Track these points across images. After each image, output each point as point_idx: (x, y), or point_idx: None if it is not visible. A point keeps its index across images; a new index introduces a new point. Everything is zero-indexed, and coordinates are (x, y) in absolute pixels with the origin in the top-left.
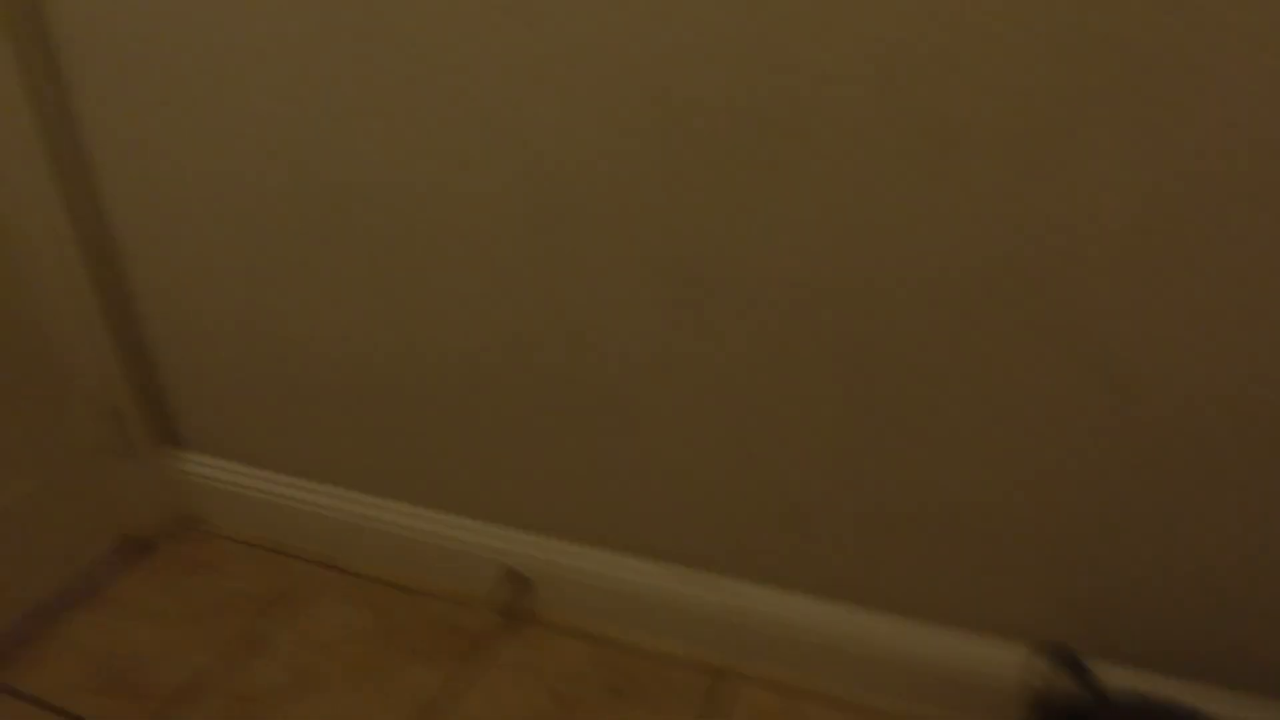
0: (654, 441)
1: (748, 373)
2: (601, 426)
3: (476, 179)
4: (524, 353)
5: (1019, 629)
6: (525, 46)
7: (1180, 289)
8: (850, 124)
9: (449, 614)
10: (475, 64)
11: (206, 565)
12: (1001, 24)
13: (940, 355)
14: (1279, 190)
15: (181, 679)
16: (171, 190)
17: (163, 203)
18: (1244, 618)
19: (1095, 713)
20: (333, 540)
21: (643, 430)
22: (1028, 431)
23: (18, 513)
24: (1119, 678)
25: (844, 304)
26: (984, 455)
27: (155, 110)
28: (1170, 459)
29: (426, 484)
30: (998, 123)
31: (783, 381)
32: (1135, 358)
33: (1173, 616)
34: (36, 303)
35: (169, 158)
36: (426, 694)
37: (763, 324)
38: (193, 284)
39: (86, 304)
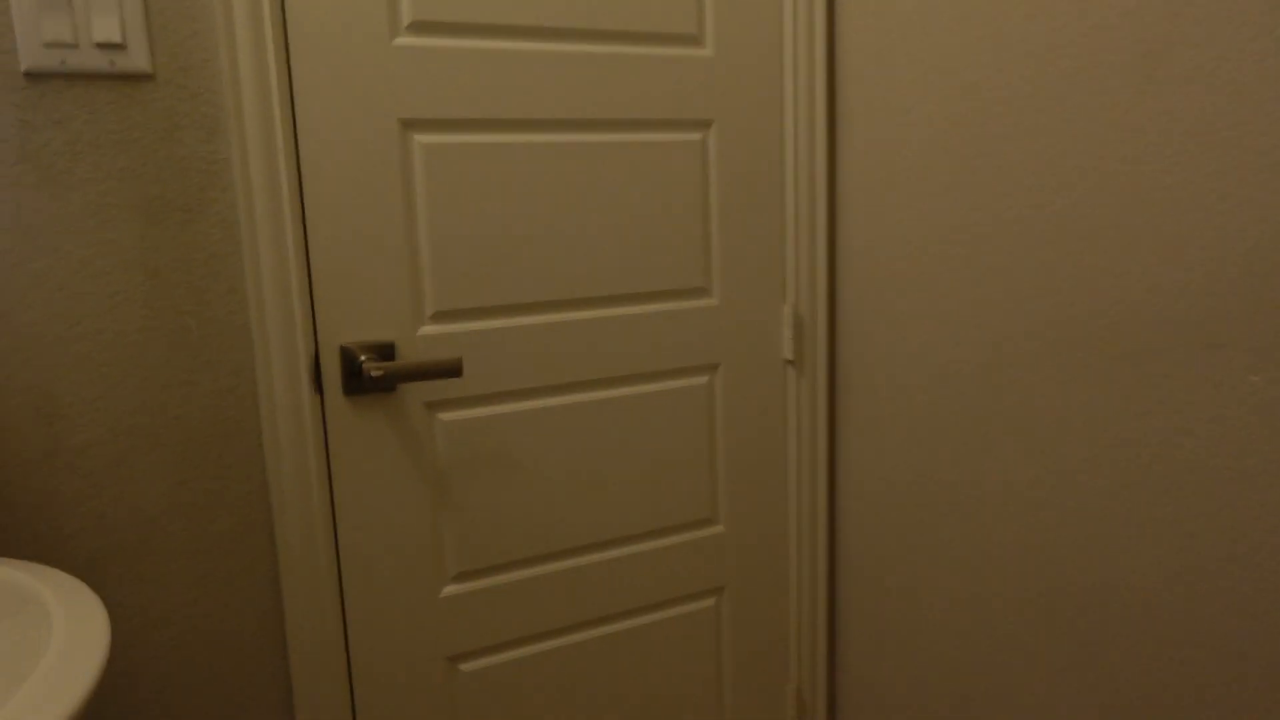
0: None
1: None
2: None
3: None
4: None
5: None
6: None
7: None
8: None
9: None
10: None
11: None
12: None
13: None
14: None
15: None
16: (900, 530)
17: (889, 540)
18: None
19: None
20: None
21: None
22: None
23: None
24: None
25: None
26: None
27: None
28: None
29: None
30: None
31: None
32: None
33: None
34: (786, 599)
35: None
36: None
37: None
38: (893, 619)
39: (819, 607)
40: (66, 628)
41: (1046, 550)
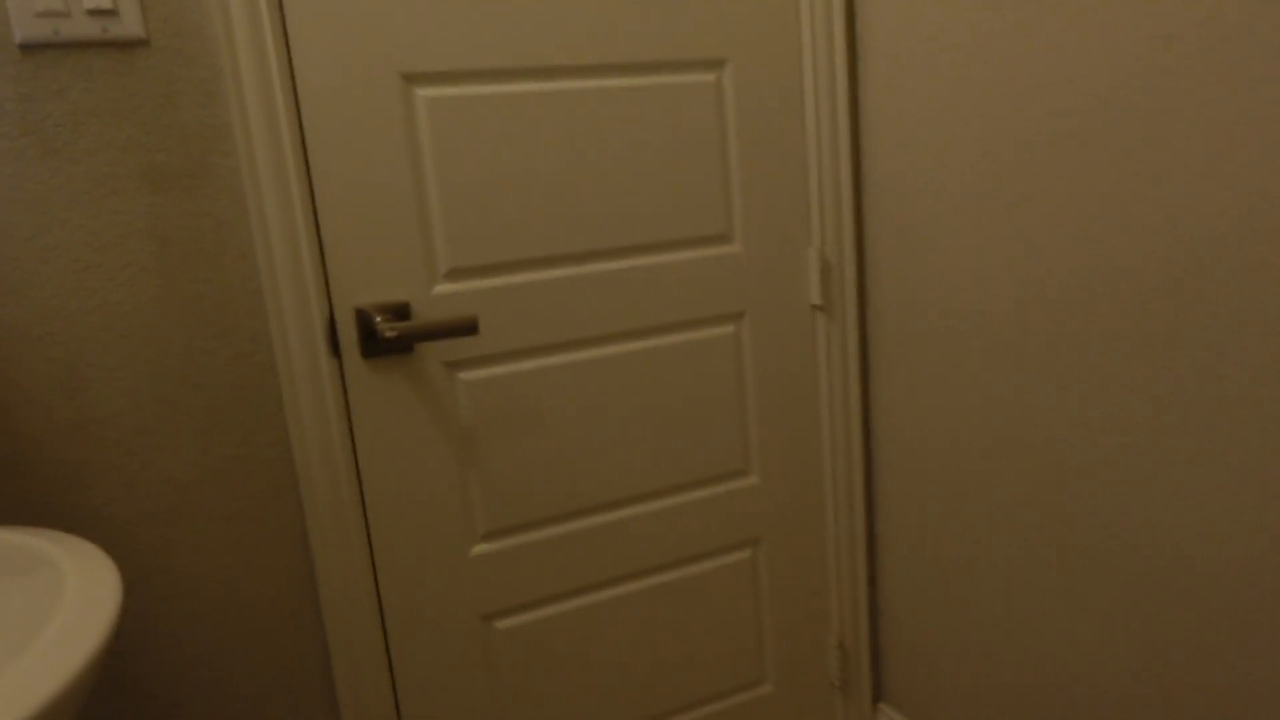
0: None
1: None
2: None
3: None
4: None
5: None
6: None
7: None
8: None
9: None
10: None
11: None
12: None
13: None
14: None
15: None
16: (939, 471)
17: (929, 483)
18: None
19: None
20: None
21: None
22: None
23: (762, 709)
24: None
25: None
26: None
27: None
28: None
29: None
30: None
31: None
32: None
33: None
34: (823, 548)
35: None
36: None
37: None
38: (933, 564)
39: (857, 555)
40: (78, 587)
41: (1090, 495)
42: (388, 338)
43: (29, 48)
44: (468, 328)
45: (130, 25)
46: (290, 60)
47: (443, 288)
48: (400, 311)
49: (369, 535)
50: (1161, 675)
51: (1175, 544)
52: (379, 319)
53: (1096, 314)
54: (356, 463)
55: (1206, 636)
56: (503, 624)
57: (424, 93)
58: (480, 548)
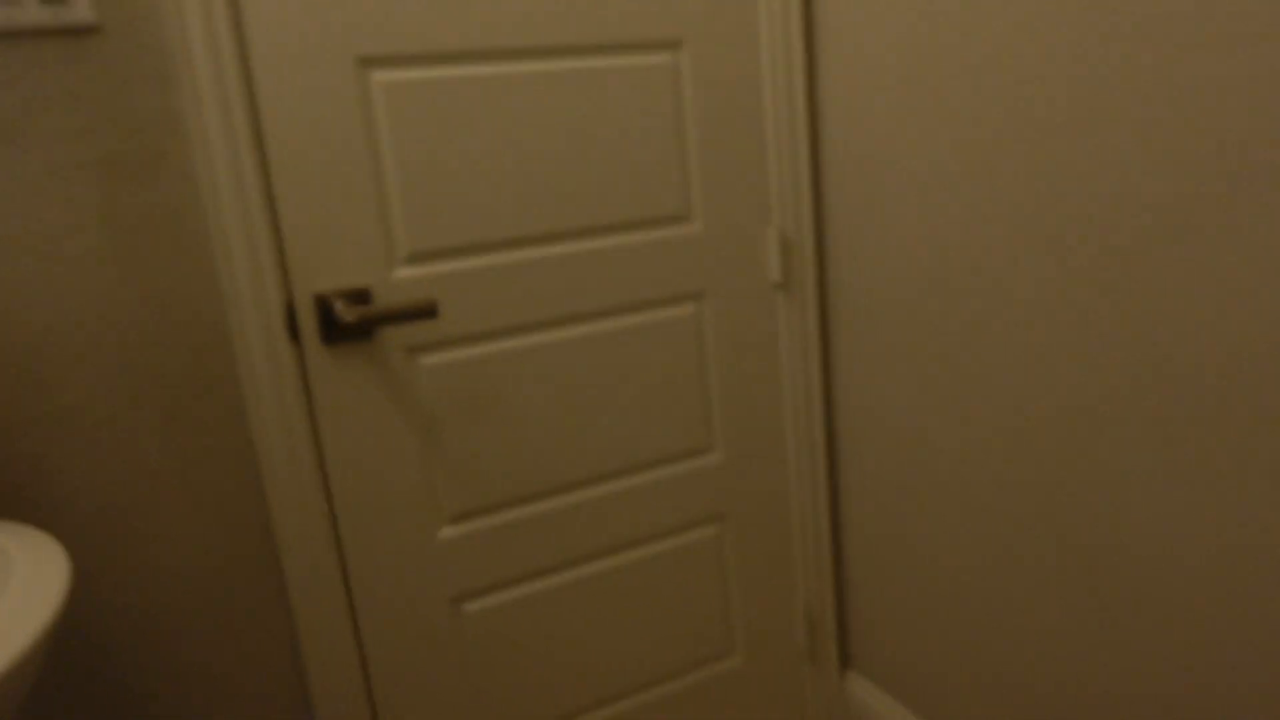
0: None
1: None
2: None
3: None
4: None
5: None
6: None
7: None
8: None
9: None
10: None
11: None
12: None
13: None
14: None
15: None
16: (895, 447)
17: (886, 456)
18: None
19: None
20: None
21: None
22: None
23: (732, 681)
24: None
25: None
26: None
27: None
28: None
29: None
30: None
31: None
32: None
33: None
34: (788, 521)
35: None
36: None
37: None
38: (893, 533)
39: (820, 527)
40: (26, 575)
41: (1049, 467)
42: (347, 322)
43: None
44: (427, 311)
45: (80, 11)
46: (244, 46)
47: (404, 272)
48: (361, 297)
49: (335, 522)
50: (1120, 636)
51: (1125, 504)
52: (338, 304)
53: (1055, 285)
54: (320, 450)
55: (1159, 608)
56: (472, 606)
57: (380, 76)
58: (447, 531)
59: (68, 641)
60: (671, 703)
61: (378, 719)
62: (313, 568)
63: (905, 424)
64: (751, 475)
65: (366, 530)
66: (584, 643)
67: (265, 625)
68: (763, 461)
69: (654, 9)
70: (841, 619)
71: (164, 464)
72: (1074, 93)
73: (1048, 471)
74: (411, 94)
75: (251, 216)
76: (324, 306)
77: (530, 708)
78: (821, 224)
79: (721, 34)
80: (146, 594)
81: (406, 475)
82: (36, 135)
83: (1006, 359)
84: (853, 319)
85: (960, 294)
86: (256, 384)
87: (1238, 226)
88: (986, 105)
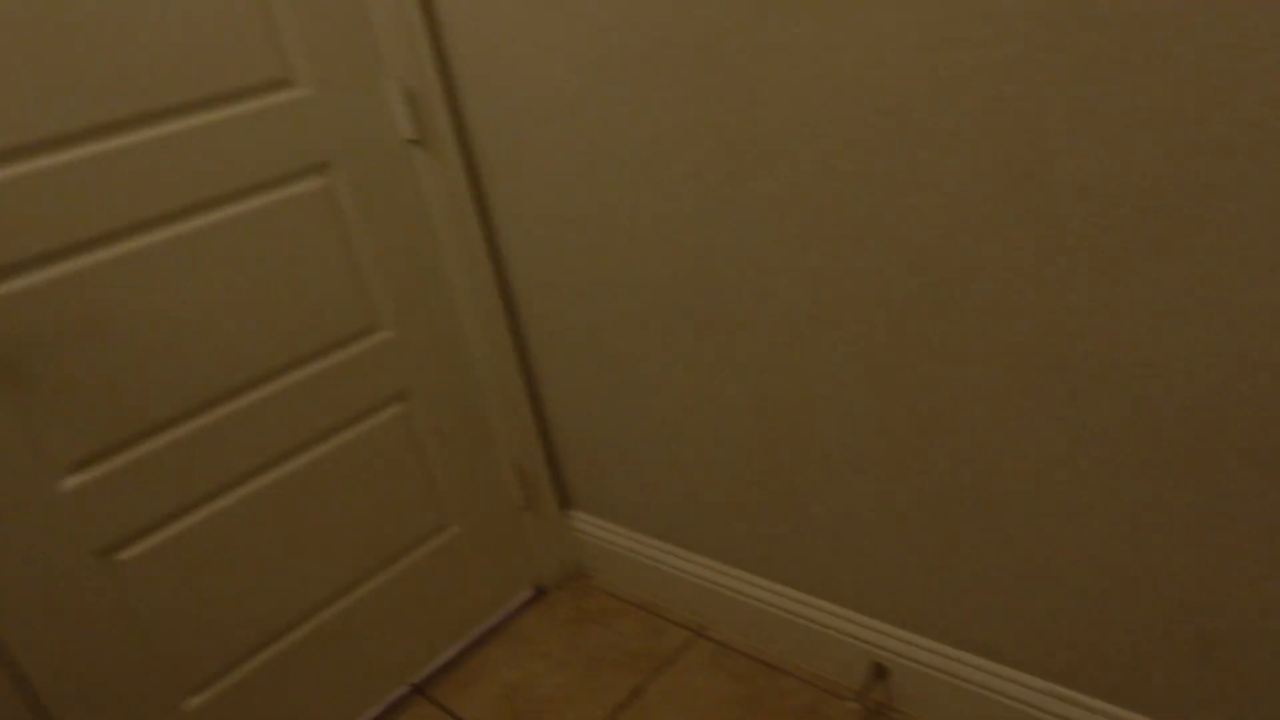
0: (1035, 547)
1: (1142, 470)
2: (979, 528)
3: (849, 270)
4: (904, 448)
5: None
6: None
7: None
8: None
9: (810, 700)
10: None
11: (592, 617)
12: None
13: None
14: None
15: None
16: (570, 281)
17: (563, 294)
18: None
19: None
20: (704, 608)
21: (1020, 534)
22: None
23: (454, 551)
24: None
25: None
26: None
27: (561, 221)
28: None
29: (798, 566)
30: None
31: (1186, 478)
32: None
33: None
34: (477, 385)
35: (569, 256)
36: None
37: (1157, 420)
38: (588, 369)
39: (513, 385)
40: None
41: (691, 253)
42: None
43: None
44: None
45: None
46: None
47: None
48: None
49: None
50: (785, 431)
51: (776, 300)
52: None
53: (666, 85)
54: None
55: (815, 405)
56: (128, 553)
57: None
58: (73, 480)
59: None
60: (397, 587)
61: (46, 712)
62: None
63: (581, 263)
64: (430, 346)
65: None
66: (282, 558)
67: None
68: (439, 329)
69: None
70: (554, 464)
71: None
72: None
73: (712, 266)
74: None
75: None
76: None
77: (230, 639)
78: (451, 73)
79: None
80: None
81: None
82: None
83: (640, 171)
84: (501, 168)
85: (576, 106)
86: None
87: None
88: None
